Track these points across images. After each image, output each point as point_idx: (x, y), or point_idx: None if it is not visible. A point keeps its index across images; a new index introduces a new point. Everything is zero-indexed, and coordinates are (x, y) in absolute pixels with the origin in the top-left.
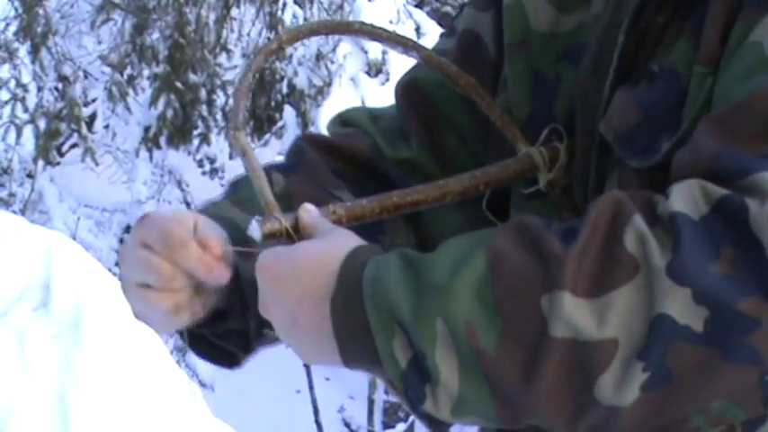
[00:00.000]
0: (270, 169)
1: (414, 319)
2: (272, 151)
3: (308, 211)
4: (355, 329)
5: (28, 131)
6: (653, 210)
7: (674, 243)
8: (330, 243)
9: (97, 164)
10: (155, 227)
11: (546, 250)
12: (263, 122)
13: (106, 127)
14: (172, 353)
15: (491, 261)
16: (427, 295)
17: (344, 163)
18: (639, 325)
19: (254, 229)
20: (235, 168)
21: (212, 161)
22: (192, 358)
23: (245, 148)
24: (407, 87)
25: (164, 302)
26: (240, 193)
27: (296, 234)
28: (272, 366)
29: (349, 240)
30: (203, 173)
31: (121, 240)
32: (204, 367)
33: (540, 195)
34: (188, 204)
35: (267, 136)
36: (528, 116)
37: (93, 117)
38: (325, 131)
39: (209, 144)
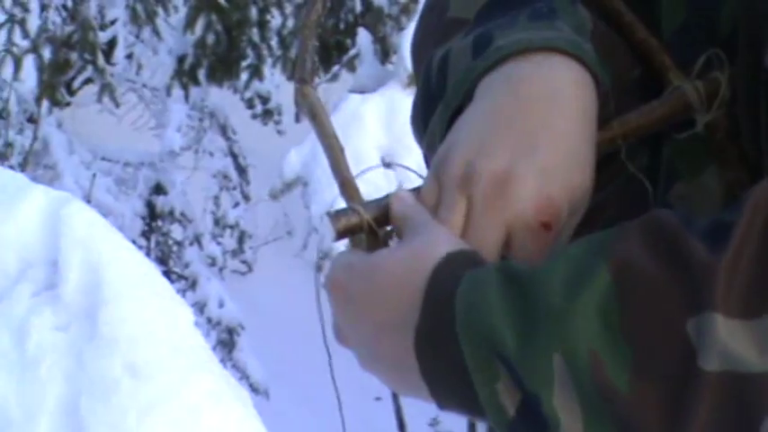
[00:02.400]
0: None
1: (523, 354)
2: (342, 87)
3: (402, 199)
4: (447, 368)
5: (29, 63)
6: None
7: None
8: (416, 249)
9: (118, 105)
10: None
11: (688, 258)
12: (330, 50)
13: (129, 57)
14: (214, 349)
15: (616, 275)
16: (539, 324)
17: None
18: None
19: (327, 227)
20: (294, 109)
21: (265, 101)
22: (242, 356)
23: (314, 108)
24: None
25: None
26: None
27: (382, 229)
28: (344, 366)
29: (438, 244)
30: (254, 116)
31: (149, 204)
32: (257, 368)
33: (697, 138)
34: (234, 156)
35: (336, 68)
36: (680, 27)
37: (111, 44)
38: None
39: (261, 79)
